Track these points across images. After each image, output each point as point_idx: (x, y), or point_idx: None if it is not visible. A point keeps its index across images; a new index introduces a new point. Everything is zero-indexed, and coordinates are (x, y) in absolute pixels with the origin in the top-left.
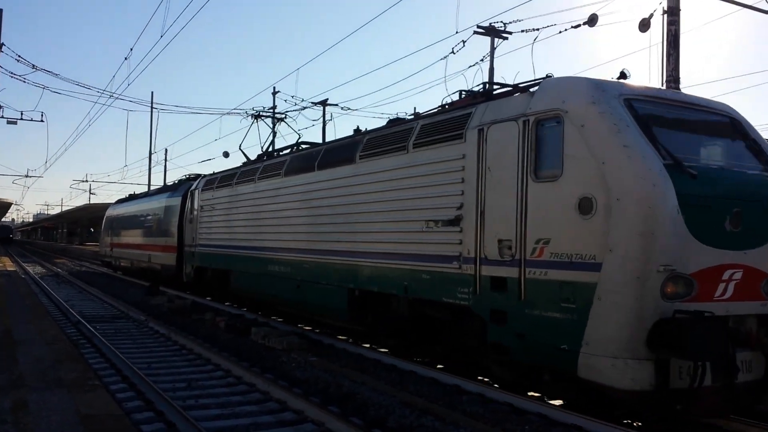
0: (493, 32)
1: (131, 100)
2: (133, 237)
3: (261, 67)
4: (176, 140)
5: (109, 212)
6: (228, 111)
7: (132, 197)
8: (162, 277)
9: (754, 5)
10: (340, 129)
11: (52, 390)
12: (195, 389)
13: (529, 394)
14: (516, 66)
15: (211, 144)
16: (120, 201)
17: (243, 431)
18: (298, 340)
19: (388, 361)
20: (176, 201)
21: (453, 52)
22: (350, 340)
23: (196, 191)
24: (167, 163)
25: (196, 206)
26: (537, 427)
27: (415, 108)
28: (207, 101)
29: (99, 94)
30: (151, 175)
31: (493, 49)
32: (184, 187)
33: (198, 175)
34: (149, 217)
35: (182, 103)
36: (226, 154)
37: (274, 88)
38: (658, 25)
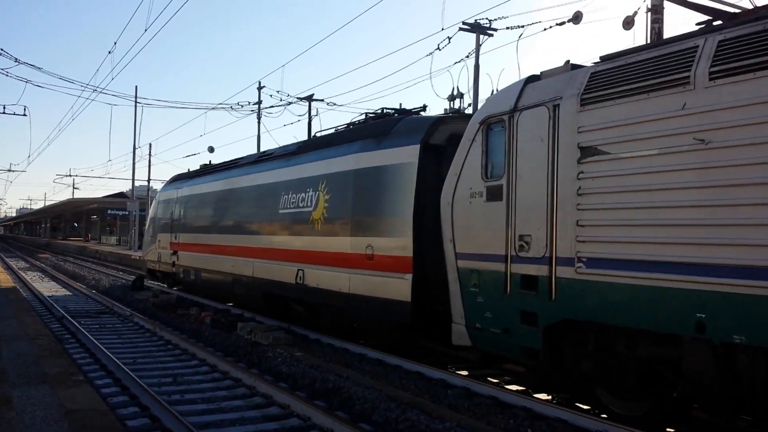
0: (478, 29)
1: (115, 94)
2: (247, 235)
3: (246, 62)
4: (161, 135)
5: (167, 194)
6: (213, 106)
7: (214, 168)
8: (345, 320)
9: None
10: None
11: (36, 385)
12: (181, 384)
13: (513, 387)
14: (501, 63)
15: (196, 140)
16: (179, 177)
17: (229, 426)
18: (284, 335)
19: (373, 355)
20: (398, 157)
21: (438, 48)
22: (336, 336)
23: (537, 111)
24: (152, 158)
25: (532, 154)
26: (522, 421)
27: (400, 104)
28: (192, 96)
29: (82, 88)
30: (135, 170)
31: (478, 45)
32: (419, 124)
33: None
34: (299, 196)
35: (166, 98)
36: (211, 149)
37: (260, 83)
38: (642, 22)
